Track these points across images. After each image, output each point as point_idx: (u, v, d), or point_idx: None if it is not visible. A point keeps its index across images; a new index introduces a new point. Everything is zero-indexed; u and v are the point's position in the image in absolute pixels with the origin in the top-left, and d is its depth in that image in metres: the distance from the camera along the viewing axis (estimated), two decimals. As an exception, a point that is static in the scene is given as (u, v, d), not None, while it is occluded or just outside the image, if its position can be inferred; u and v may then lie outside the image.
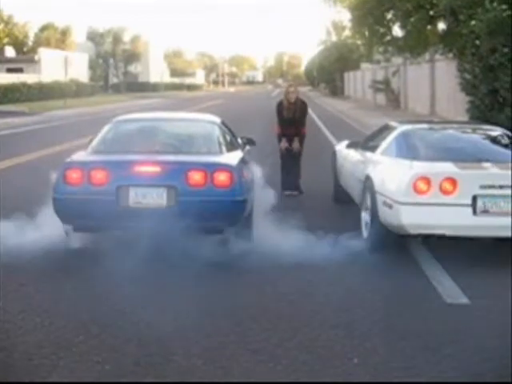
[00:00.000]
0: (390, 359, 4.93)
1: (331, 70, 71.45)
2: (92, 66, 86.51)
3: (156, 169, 7.41)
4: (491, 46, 16.35)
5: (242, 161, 8.39)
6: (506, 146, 8.61)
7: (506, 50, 15.90)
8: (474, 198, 7.22)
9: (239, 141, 9.68)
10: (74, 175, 7.45)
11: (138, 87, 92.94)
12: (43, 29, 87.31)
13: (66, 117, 35.95)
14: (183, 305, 6.03)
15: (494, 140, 8.82)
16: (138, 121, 9.76)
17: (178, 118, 10.37)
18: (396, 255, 7.68)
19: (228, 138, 9.01)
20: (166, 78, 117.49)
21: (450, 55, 23.78)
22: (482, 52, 16.84)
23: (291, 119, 11.72)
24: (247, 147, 9.90)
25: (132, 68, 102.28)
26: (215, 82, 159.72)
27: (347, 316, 5.82)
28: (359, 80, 57.76)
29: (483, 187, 7.23)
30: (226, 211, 7.37)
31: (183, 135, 8.87)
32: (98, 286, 6.47)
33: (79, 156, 8.18)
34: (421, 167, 7.61)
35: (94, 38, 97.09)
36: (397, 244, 7.83)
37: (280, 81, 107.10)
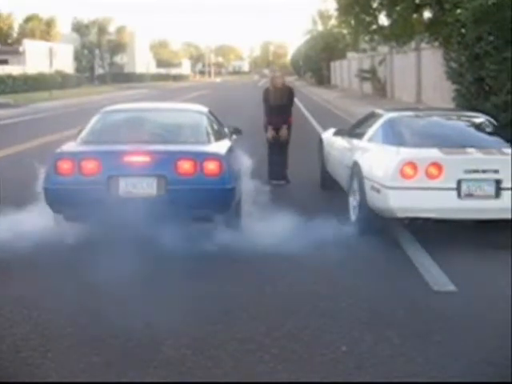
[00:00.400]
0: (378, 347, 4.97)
1: (317, 60, 71.38)
2: (77, 57, 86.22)
3: (146, 158, 7.48)
4: (477, 35, 16.37)
5: (230, 150, 8.46)
6: (489, 132, 8.96)
7: (491, 38, 15.92)
8: (459, 182, 7.49)
9: (226, 130, 9.72)
10: (64, 166, 7.51)
11: (123, 78, 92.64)
12: (28, 20, 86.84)
13: (52, 108, 35.77)
14: (171, 295, 6.03)
15: (478, 127, 9.12)
16: (127, 111, 9.80)
17: (165, 109, 10.61)
18: (382, 240, 7.82)
19: (215, 127, 9.10)
20: (152, 69, 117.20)
21: (436, 44, 23.83)
22: (468, 40, 16.86)
23: (278, 106, 11.65)
24: (234, 136, 9.93)
25: (118, 59, 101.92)
26: (201, 73, 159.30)
27: (335, 303, 5.85)
28: (345, 69, 57.76)
29: (467, 172, 7.51)
30: (216, 199, 7.50)
31: (171, 125, 8.92)
32: (86, 277, 6.45)
33: (69, 147, 8.23)
34: (407, 153, 7.82)
35: (79, 28, 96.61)
36: (383, 228, 8.06)
37: (266, 71, 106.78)
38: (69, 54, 77.49)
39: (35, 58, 61.28)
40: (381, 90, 40.20)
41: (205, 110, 9.54)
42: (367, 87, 44.04)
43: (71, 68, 76.50)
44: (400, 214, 7.66)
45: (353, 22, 27.40)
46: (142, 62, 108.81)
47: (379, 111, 9.89)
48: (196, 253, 7.10)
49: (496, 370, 4.63)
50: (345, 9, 27.18)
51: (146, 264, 6.75)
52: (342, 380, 4.50)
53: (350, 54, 54.06)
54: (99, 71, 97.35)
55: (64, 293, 6.05)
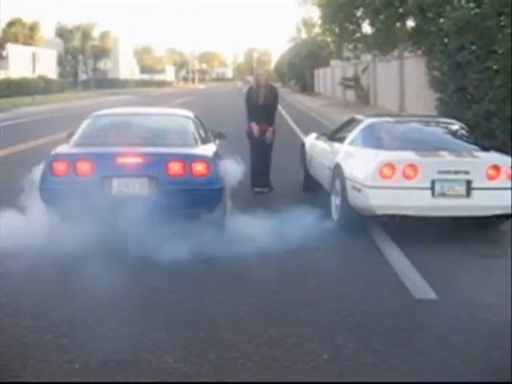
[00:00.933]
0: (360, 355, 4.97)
1: (301, 67, 71.53)
2: (61, 63, 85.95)
3: (138, 160, 7.82)
4: (459, 44, 16.48)
5: (216, 152, 8.88)
6: (460, 136, 9.63)
7: (473, 47, 16.04)
8: (433, 182, 8.09)
9: (210, 135, 9.98)
10: (60, 167, 7.84)
11: (107, 84, 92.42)
12: (11, 24, 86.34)
13: (35, 113, 35.62)
14: (153, 302, 6.01)
15: (452, 132, 9.80)
16: (116, 115, 10.24)
17: (154, 113, 11.17)
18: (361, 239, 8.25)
19: (201, 131, 9.45)
20: (136, 75, 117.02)
21: (419, 52, 23.97)
22: (451, 49, 16.98)
23: (262, 106, 11.50)
24: (217, 141, 10.11)
25: (101, 64, 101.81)
26: (185, 79, 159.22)
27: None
28: (329, 77, 57.87)
29: (440, 172, 8.12)
30: (204, 199, 7.88)
31: (160, 129, 9.27)
32: (67, 283, 6.42)
33: (63, 149, 8.54)
34: (386, 155, 8.38)
35: (63, 34, 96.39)
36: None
37: (250, 77, 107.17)
38: (52, 59, 77.28)
39: (18, 63, 61.05)
40: (364, 97, 40.31)
41: (191, 114, 9.92)
42: (350, 95, 44.15)
43: (54, 73, 76.29)
44: (379, 212, 8.22)
45: (337, 30, 27.55)
46: (126, 67, 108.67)
47: (359, 117, 10.43)
48: (179, 255, 7.08)
49: (479, 376, 4.65)
50: (329, 17, 27.34)
51: (126, 269, 6.73)
52: None
53: (334, 62, 54.20)
54: (83, 77, 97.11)
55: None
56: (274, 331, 5.39)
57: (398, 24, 24.40)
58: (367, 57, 36.63)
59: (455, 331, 5.42)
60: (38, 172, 8.23)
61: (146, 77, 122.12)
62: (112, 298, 6.00)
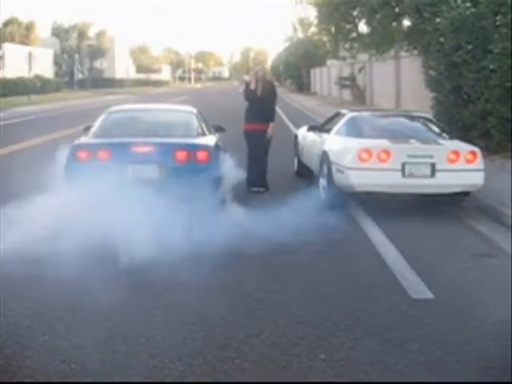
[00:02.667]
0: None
1: (297, 67, 71.55)
2: (57, 62, 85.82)
3: (149, 150, 9.10)
4: (455, 43, 16.49)
5: (217, 143, 10.22)
6: (428, 127, 11.30)
7: (470, 47, 16.05)
8: (403, 165, 9.67)
9: (211, 128, 11.07)
10: (82, 155, 9.16)
11: (103, 83, 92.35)
12: (7, 24, 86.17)
13: (31, 113, 35.56)
14: (149, 300, 6.01)
15: (421, 123, 11.52)
16: (128, 111, 11.62)
17: (161, 109, 12.88)
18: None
19: (203, 124, 10.70)
20: (132, 74, 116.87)
21: (415, 52, 23.97)
22: (447, 49, 16.99)
23: (261, 100, 11.50)
24: (217, 134, 11.07)
25: (97, 64, 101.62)
26: (181, 78, 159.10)
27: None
28: (325, 76, 57.88)
29: (409, 157, 9.71)
30: (206, 182, 8.74)
31: (167, 122, 10.67)
32: (65, 282, 6.40)
33: (84, 140, 9.87)
34: (364, 143, 10.04)
35: (59, 33, 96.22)
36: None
37: (246, 77, 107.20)
38: (48, 59, 77.17)
39: (14, 62, 60.94)
40: (360, 97, 40.33)
41: (194, 110, 11.25)
42: (347, 94, 44.17)
43: (51, 73, 76.18)
44: (358, 189, 9.85)
45: (333, 29, 27.55)
46: (122, 67, 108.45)
47: (344, 111, 12.15)
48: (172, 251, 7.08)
49: (473, 376, 4.66)
50: (325, 16, 27.36)
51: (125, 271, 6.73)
52: None
53: (330, 62, 54.20)
54: (79, 76, 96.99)
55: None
56: (271, 331, 5.40)
57: (394, 23, 24.39)
58: (363, 56, 36.63)
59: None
60: (59, 162, 9.33)
61: (142, 76, 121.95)
62: (109, 297, 6.00)
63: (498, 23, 15.45)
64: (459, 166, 9.80)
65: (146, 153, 9.04)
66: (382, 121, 11.75)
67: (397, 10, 23.38)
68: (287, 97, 57.68)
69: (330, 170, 10.25)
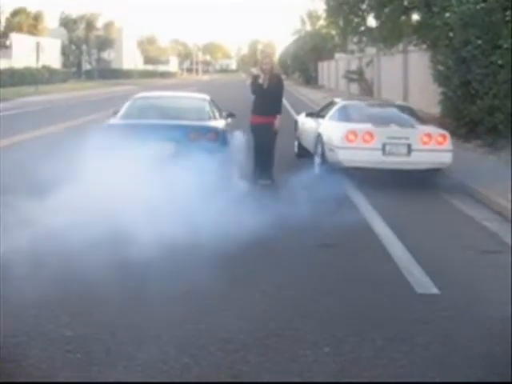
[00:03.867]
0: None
1: (305, 60, 71.49)
2: (65, 53, 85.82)
3: (169, 130, 10.78)
4: (464, 38, 16.45)
5: (226, 126, 11.98)
6: (407, 114, 13.15)
7: (479, 42, 16.01)
8: (384, 145, 11.58)
9: (223, 114, 12.85)
10: (115, 133, 10.59)
11: (111, 74, 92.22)
12: (15, 14, 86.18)
13: (38, 103, 35.61)
14: (153, 292, 6.01)
15: (401, 111, 13.52)
16: (150, 98, 13.61)
17: (179, 96, 14.91)
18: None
19: (215, 110, 12.52)
20: (140, 65, 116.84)
21: (424, 46, 23.89)
22: (456, 44, 16.95)
23: (268, 92, 11.46)
24: (229, 119, 12.79)
25: (105, 55, 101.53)
26: (189, 70, 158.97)
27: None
28: (333, 70, 57.80)
29: (389, 138, 11.64)
30: (214, 158, 9.87)
31: (184, 107, 12.44)
32: (69, 272, 6.41)
33: (114, 121, 11.78)
34: (351, 126, 11.98)
35: (67, 23, 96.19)
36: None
37: (254, 69, 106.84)
38: (56, 49, 77.21)
39: (22, 53, 60.96)
40: (368, 91, 40.24)
41: (207, 97, 13.21)
42: (354, 88, 44.09)
43: (58, 63, 76.23)
44: (346, 165, 11.64)
45: (341, 22, 27.43)
46: (130, 58, 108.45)
47: (337, 100, 14.32)
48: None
49: (478, 372, 4.66)
50: (333, 9, 27.22)
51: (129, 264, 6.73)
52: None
53: (338, 55, 54.16)
54: (86, 67, 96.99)
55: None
56: (276, 324, 5.40)
57: (402, 17, 24.30)
58: (372, 50, 36.51)
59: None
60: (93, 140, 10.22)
61: (149, 67, 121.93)
62: (114, 287, 6.00)
63: (507, 18, 15.41)
64: (431, 147, 11.70)
65: (165, 132, 10.51)
66: (369, 109, 13.92)
67: (406, 3, 23.29)
68: (294, 90, 57.60)
69: (323, 149, 12.26)
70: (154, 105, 12.49)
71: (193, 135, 10.89)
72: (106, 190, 8.26)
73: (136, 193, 8.29)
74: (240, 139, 11.93)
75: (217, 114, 12.33)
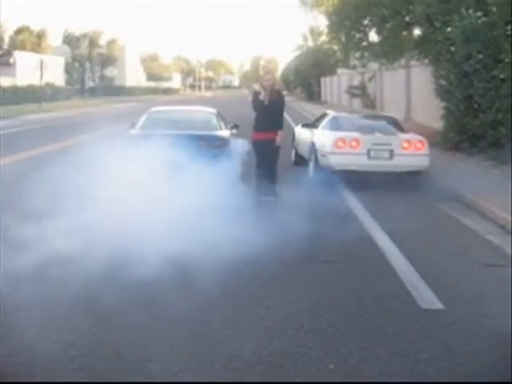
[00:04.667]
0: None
1: (307, 75, 71.57)
2: (68, 70, 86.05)
3: (179, 139, 11.27)
4: (466, 53, 16.49)
5: (230, 135, 13.67)
6: (389, 124, 14.83)
7: (480, 56, 16.05)
8: (369, 150, 13.09)
9: (228, 125, 14.51)
10: (135, 142, 11.71)
11: (114, 91, 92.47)
12: (18, 32, 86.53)
13: (41, 121, 35.68)
14: (156, 307, 6.00)
15: (384, 121, 15.29)
16: (164, 112, 15.62)
17: (189, 110, 17.04)
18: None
19: (221, 121, 14.28)
20: (143, 82, 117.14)
21: (426, 61, 23.93)
22: (457, 58, 16.97)
23: (269, 108, 11.47)
24: (233, 130, 14.37)
25: (108, 72, 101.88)
26: (192, 87, 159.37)
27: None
28: (336, 85, 57.89)
29: (374, 144, 13.16)
30: (222, 162, 10.95)
31: (193, 119, 14.39)
32: (73, 287, 6.40)
33: (134, 131, 13.45)
34: (340, 134, 13.49)
35: (70, 41, 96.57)
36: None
37: (256, 85, 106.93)
38: (59, 67, 77.36)
39: (26, 70, 61.10)
40: (370, 106, 40.29)
41: (214, 111, 15.10)
42: (357, 103, 44.15)
43: (62, 80, 76.38)
44: (336, 168, 13.11)
45: (343, 38, 27.52)
46: (133, 75, 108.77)
47: (329, 112, 16.07)
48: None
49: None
50: (335, 25, 27.33)
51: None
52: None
53: (340, 70, 54.22)
54: (90, 84, 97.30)
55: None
56: (280, 341, 5.38)
57: (404, 32, 24.38)
58: (374, 65, 36.60)
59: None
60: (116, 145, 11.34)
61: (152, 84, 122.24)
62: (116, 304, 5.99)
63: (508, 33, 15.45)
64: (410, 152, 13.18)
65: (177, 141, 10.93)
66: (356, 119, 15.68)
67: (407, 19, 23.37)
68: (298, 105, 57.61)
69: (316, 155, 13.74)
70: (167, 117, 14.46)
71: (202, 143, 12.29)
72: (126, 191, 9.05)
73: (153, 192, 9.16)
74: (243, 146, 12.64)
75: (222, 125, 14.05)
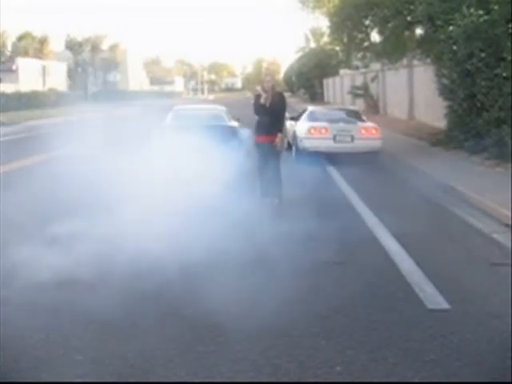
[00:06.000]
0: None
1: (310, 76, 71.51)
2: (71, 75, 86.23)
3: (202, 128, 14.37)
4: (468, 51, 16.47)
5: (239, 125, 17.75)
6: (352, 115, 19.19)
7: (483, 55, 16.03)
8: (335, 136, 17.22)
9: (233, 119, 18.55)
10: (169, 130, 16.20)
11: (117, 96, 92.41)
12: (21, 38, 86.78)
13: (44, 126, 35.73)
14: (163, 313, 6.00)
15: (348, 113, 19.66)
16: (186, 109, 19.97)
17: (205, 108, 22.22)
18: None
19: (229, 116, 18.32)
20: (146, 86, 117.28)
21: (428, 61, 23.92)
22: (460, 57, 16.96)
23: (270, 110, 11.37)
24: (237, 122, 18.25)
25: (111, 77, 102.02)
26: (195, 90, 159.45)
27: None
28: (338, 86, 57.86)
29: (338, 131, 17.26)
30: (233, 145, 14.93)
31: (209, 114, 18.26)
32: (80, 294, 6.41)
33: (166, 123, 17.35)
34: (313, 124, 17.71)
35: (73, 46, 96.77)
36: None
37: (259, 88, 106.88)
38: (62, 72, 77.61)
39: (28, 76, 61.33)
40: (373, 106, 40.26)
41: (224, 108, 19.37)
42: (360, 104, 44.08)
43: (65, 86, 76.57)
44: (310, 150, 17.16)
45: (345, 39, 27.48)
46: (135, 79, 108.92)
47: (308, 106, 21.37)
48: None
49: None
50: (337, 26, 27.26)
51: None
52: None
53: (343, 71, 54.19)
54: (93, 89, 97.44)
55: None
56: (287, 342, 5.37)
57: (406, 32, 24.33)
58: (376, 65, 36.58)
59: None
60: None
61: (155, 88, 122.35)
62: (123, 312, 5.99)
63: (510, 31, 15.41)
64: (366, 137, 17.33)
65: (199, 130, 13.61)
66: (327, 112, 19.90)
67: (409, 18, 23.32)
68: (300, 107, 57.40)
69: (296, 140, 17.94)
70: (189, 113, 18.82)
71: (219, 131, 15.32)
72: (166, 169, 11.45)
73: (191, 163, 11.46)
74: (247, 133, 16.13)
75: (231, 118, 18.19)
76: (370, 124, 18.14)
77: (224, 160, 12.04)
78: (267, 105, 11.43)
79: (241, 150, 15.05)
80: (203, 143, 12.38)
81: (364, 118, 19.24)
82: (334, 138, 17.16)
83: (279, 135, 11.48)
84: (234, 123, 17.85)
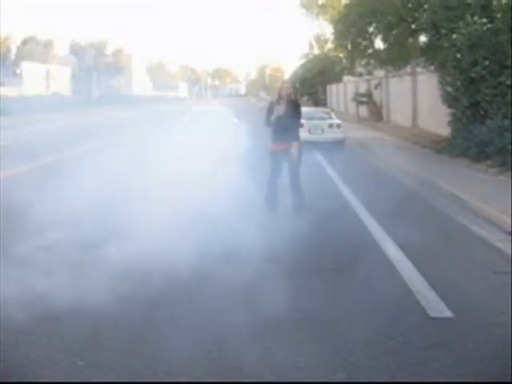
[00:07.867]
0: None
1: (314, 83, 71.52)
2: (75, 80, 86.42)
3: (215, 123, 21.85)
4: (472, 59, 16.47)
5: (239, 122, 24.22)
6: (324, 114, 25.37)
7: (486, 62, 16.03)
8: (310, 129, 23.21)
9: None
10: (190, 125, 24.11)
11: (120, 100, 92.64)
12: (25, 42, 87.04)
13: (48, 130, 35.77)
14: (165, 319, 5.99)
15: (322, 113, 25.80)
16: (200, 110, 27.50)
17: (215, 109, 30.65)
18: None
19: (234, 115, 25.64)
20: (149, 91, 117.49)
21: (432, 68, 23.93)
22: (464, 65, 16.96)
23: (285, 117, 11.04)
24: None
25: (115, 81, 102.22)
26: (198, 95, 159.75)
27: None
28: (342, 93, 57.87)
29: (313, 126, 23.48)
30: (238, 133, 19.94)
31: (218, 113, 27.61)
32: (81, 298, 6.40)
33: (185, 120, 26.09)
34: None
35: (77, 51, 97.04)
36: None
37: (263, 94, 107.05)
38: (66, 76, 77.81)
39: (33, 80, 61.46)
40: (377, 113, 40.25)
41: (230, 109, 26.63)
42: (363, 111, 44.12)
43: (68, 90, 76.73)
44: None
45: (349, 45, 27.52)
46: (139, 84, 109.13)
47: None
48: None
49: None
50: (341, 33, 27.32)
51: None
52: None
53: (346, 78, 54.23)
54: (96, 93, 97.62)
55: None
56: (288, 349, 5.36)
57: (410, 39, 24.37)
58: (380, 72, 36.59)
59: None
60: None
61: (159, 93, 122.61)
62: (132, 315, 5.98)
63: (514, 39, 15.40)
64: (333, 130, 23.58)
65: (213, 124, 18.00)
66: (305, 112, 20.95)
67: (413, 26, 23.37)
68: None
69: None
70: (204, 113, 25.26)
71: (228, 125, 20.33)
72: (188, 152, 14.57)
73: (207, 147, 14.86)
74: (245, 128, 21.18)
75: (235, 117, 24.98)
76: (335, 121, 24.45)
77: (234, 145, 15.86)
78: (281, 112, 11.12)
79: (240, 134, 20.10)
80: (216, 134, 16.44)
81: (333, 116, 25.42)
82: (309, 131, 22.96)
83: (294, 144, 11.12)
84: (237, 120, 25.17)
